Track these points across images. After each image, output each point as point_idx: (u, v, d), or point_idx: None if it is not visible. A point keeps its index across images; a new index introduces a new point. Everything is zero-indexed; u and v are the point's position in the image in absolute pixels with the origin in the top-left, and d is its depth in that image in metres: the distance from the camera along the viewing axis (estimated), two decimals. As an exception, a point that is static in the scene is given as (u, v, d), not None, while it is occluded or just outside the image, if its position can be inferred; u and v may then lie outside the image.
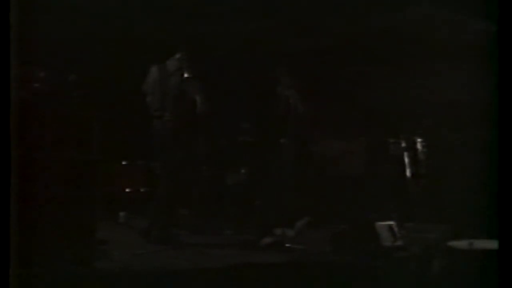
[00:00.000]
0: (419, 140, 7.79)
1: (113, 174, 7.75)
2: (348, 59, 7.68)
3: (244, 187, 7.78)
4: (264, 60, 7.58)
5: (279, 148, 7.46)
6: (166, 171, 6.73)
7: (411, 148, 7.79)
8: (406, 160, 7.79)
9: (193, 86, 6.73)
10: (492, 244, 4.68)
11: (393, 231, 6.30)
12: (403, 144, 7.83)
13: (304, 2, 7.17)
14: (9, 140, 3.95)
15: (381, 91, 7.94)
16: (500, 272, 4.36)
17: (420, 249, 6.11)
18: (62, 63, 6.17)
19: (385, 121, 7.87)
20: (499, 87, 4.42)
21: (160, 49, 6.78)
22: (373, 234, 6.21)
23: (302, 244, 6.65)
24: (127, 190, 7.65)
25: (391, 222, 6.38)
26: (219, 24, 7.42)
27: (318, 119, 7.51)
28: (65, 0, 6.42)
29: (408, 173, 7.77)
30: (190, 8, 7.05)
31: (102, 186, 5.94)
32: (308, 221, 6.97)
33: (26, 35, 4.25)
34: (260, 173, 7.63)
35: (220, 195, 7.73)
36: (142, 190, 7.50)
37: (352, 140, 7.88)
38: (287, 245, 6.64)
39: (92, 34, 7.04)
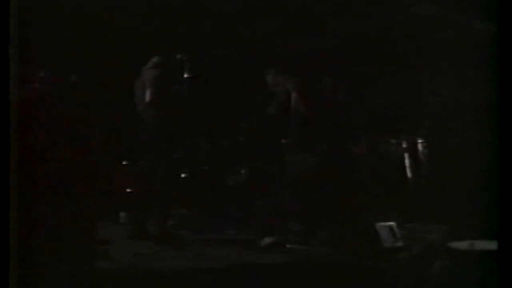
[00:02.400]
0: (420, 140, 7.80)
1: (114, 174, 7.79)
2: (349, 60, 7.68)
3: (245, 187, 7.79)
4: (265, 60, 7.59)
5: (280, 149, 7.47)
6: (165, 171, 6.77)
7: (412, 148, 7.81)
8: (407, 160, 7.80)
9: (193, 86, 6.75)
10: (492, 245, 4.68)
11: (394, 232, 6.32)
12: (404, 145, 7.84)
13: (306, 2, 7.18)
14: (9, 140, 3.96)
15: (381, 91, 7.95)
16: (500, 273, 4.36)
17: (420, 249, 6.12)
18: (63, 63, 6.19)
19: (386, 121, 7.88)
20: (500, 88, 4.43)
21: (160, 49, 6.81)
22: (374, 235, 6.23)
23: (303, 245, 6.67)
24: (127, 190, 7.68)
25: (392, 223, 6.40)
26: (220, 24, 7.43)
27: (319, 120, 7.52)
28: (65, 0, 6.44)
29: (408, 173, 7.77)
30: (191, 8, 7.06)
31: (102, 186, 5.96)
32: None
33: (26, 35, 4.26)
34: (260, 173, 7.64)
35: (221, 195, 7.75)
36: (142, 190, 7.50)
37: (353, 141, 7.89)
38: (287, 245, 6.66)
39: (93, 34, 7.05)
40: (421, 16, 7.33)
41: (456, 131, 7.40)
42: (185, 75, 6.70)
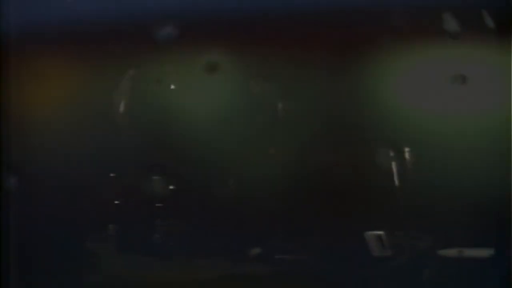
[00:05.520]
0: (407, 148, 7.87)
1: (101, 185, 7.79)
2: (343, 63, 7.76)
3: (233, 197, 7.81)
4: (251, 66, 7.64)
5: (269, 157, 7.51)
6: (151, 181, 6.79)
7: (400, 155, 7.87)
8: (395, 168, 7.86)
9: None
10: (484, 253, 4.75)
11: (383, 241, 6.35)
12: (392, 153, 7.91)
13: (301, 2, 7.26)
14: (8, 141, 4.12)
15: (373, 97, 8.02)
16: (493, 282, 4.44)
17: (410, 258, 6.16)
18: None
19: (375, 128, 7.96)
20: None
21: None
22: (363, 244, 6.27)
23: (291, 255, 6.68)
24: (115, 202, 7.67)
25: (380, 232, 6.44)
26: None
27: (308, 125, 7.56)
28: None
29: (397, 181, 7.83)
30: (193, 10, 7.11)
31: (92, 197, 6.01)
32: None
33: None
34: (249, 182, 7.67)
35: (208, 205, 7.76)
36: (130, 200, 7.54)
37: (342, 147, 7.96)
38: (276, 256, 6.67)
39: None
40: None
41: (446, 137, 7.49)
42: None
